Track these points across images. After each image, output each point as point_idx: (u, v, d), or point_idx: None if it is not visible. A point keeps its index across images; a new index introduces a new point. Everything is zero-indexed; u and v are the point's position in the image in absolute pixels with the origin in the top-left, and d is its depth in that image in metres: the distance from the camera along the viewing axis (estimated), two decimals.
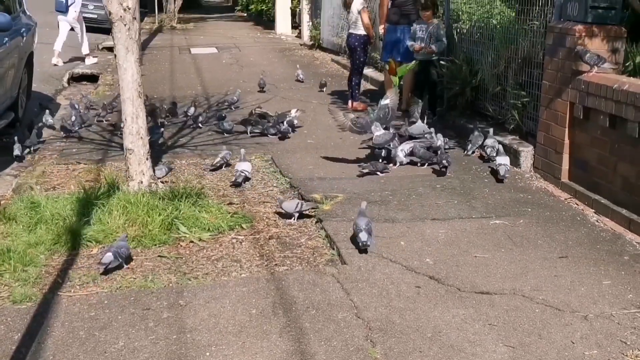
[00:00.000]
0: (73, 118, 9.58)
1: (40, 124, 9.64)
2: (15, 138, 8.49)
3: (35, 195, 6.43)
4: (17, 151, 8.30)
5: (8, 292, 4.85)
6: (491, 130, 8.32)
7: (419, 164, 7.80)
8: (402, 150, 7.86)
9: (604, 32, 6.79)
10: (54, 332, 4.33)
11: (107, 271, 5.16)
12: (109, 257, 5.14)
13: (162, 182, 6.87)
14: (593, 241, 5.79)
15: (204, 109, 10.73)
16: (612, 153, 6.40)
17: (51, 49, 15.59)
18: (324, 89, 12.82)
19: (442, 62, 10.04)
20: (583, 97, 6.67)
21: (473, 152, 8.31)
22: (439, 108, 10.36)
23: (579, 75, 6.75)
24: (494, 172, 7.51)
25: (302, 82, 13.83)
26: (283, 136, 9.15)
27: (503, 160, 7.44)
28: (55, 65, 15.54)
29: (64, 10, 15.87)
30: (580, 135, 6.89)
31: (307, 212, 6.27)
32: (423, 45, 10.09)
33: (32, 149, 8.59)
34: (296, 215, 6.22)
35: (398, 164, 7.78)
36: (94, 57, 16.58)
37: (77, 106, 10.29)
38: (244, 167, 7.26)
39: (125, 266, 5.25)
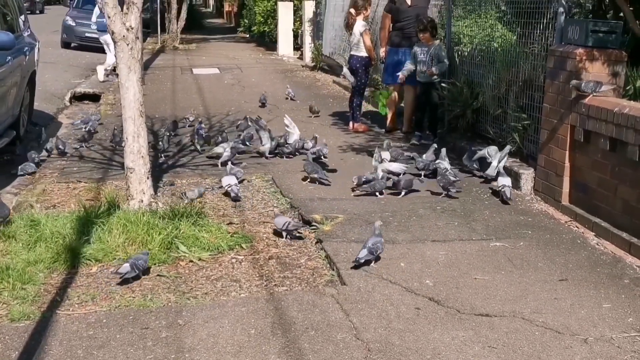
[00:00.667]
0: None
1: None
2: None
3: (35, 213, 6.43)
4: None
5: (6, 310, 4.83)
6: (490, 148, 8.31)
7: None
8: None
9: (605, 55, 6.82)
10: (52, 351, 4.32)
11: (124, 281, 5.28)
12: (126, 267, 5.27)
13: (193, 202, 6.88)
14: (593, 264, 5.78)
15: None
16: (612, 176, 6.40)
17: (53, 68, 15.65)
18: (316, 114, 12.66)
19: (443, 84, 10.07)
20: (584, 120, 6.69)
21: (497, 172, 7.97)
22: (439, 130, 10.38)
23: (580, 99, 6.77)
24: (496, 193, 7.51)
25: (294, 100, 13.93)
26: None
27: (506, 182, 7.46)
28: (103, 81, 16.25)
29: (105, 29, 16.10)
30: (581, 158, 6.90)
31: (294, 232, 6.30)
32: (411, 67, 10.25)
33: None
34: (284, 233, 6.27)
35: (403, 193, 7.67)
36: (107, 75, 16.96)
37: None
38: (229, 181, 7.35)
39: (142, 276, 5.39)
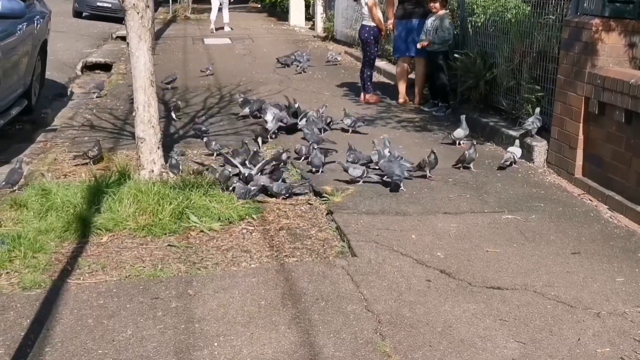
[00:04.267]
0: None
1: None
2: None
3: (46, 182, 6.42)
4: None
5: (18, 278, 4.84)
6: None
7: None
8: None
9: (622, 26, 6.71)
10: (63, 320, 4.33)
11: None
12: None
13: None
14: (606, 238, 5.73)
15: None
16: (627, 149, 6.33)
17: (64, 37, 15.63)
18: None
19: (455, 55, 9.98)
20: (599, 92, 6.61)
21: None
22: (452, 101, 10.30)
23: (595, 70, 6.68)
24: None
25: (305, 72, 13.99)
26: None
27: (515, 150, 7.62)
28: (212, 32, 20.71)
29: None
30: (595, 131, 6.83)
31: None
32: (424, 38, 10.39)
33: None
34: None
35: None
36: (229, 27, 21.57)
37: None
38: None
39: None
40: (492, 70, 9.24)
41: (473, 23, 9.99)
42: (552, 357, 3.99)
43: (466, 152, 7.47)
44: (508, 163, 7.47)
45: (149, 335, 4.15)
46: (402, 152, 7.92)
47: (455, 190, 6.79)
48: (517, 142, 7.76)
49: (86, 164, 7.34)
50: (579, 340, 4.17)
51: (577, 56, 7.00)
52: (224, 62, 15.12)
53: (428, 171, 7.06)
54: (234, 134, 8.85)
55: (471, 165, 7.47)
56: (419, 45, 10.45)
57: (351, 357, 3.95)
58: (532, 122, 7.85)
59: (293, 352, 4.01)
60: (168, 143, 7.80)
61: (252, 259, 5.27)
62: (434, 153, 7.07)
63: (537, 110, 7.95)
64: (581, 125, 6.96)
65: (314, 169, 7.24)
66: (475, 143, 7.68)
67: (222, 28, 21.69)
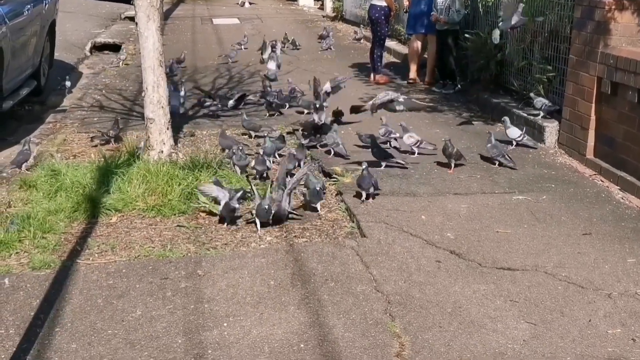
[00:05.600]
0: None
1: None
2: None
3: (55, 163, 6.42)
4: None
5: (27, 258, 4.85)
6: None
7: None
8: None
9: (635, 5, 6.63)
10: (72, 300, 4.33)
11: None
12: None
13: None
14: (618, 218, 5.69)
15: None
16: (639, 129, 6.27)
17: (73, 18, 15.58)
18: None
19: (466, 35, 9.91)
20: (611, 72, 6.54)
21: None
22: (462, 82, 10.24)
23: (608, 50, 6.61)
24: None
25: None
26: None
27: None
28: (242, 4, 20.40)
29: None
30: (607, 111, 6.77)
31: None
32: (435, 14, 10.28)
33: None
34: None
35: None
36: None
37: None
38: None
39: None
40: (503, 50, 9.17)
41: (484, 2, 9.91)
42: (562, 338, 3.97)
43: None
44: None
45: (158, 316, 4.15)
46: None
47: (466, 171, 6.75)
48: (506, 118, 7.68)
49: (104, 143, 7.33)
50: (590, 321, 4.15)
51: (589, 36, 6.93)
52: (233, 42, 15.04)
53: (452, 164, 6.73)
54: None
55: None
56: (432, 18, 10.33)
57: (361, 338, 3.94)
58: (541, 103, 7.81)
59: (302, 332, 4.00)
60: (177, 124, 7.78)
61: (261, 240, 5.25)
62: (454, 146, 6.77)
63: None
64: (593, 105, 6.90)
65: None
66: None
67: (243, 4, 22.86)
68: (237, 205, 5.45)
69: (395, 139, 7.40)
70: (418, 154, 7.17)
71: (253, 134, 7.76)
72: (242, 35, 14.75)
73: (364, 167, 5.93)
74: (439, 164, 6.86)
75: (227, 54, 12.97)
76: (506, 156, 6.88)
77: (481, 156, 7.16)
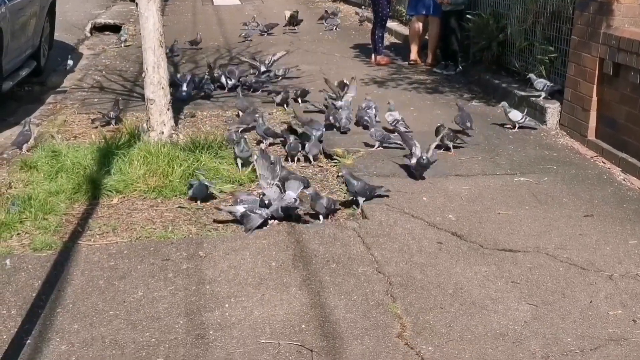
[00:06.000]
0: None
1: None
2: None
3: (56, 144, 6.41)
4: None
5: (29, 239, 4.86)
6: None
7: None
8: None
9: None
10: (74, 281, 4.34)
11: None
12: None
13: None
14: (620, 200, 5.69)
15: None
16: None
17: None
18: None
19: (468, 15, 9.86)
20: (613, 53, 6.51)
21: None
22: (464, 63, 10.21)
23: (610, 30, 6.58)
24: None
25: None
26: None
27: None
28: None
29: None
30: (609, 92, 6.74)
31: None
32: None
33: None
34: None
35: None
36: None
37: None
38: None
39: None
40: (505, 31, 9.13)
41: None
42: (563, 319, 3.97)
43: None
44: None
45: (160, 297, 4.16)
46: (414, 115, 7.91)
47: (467, 153, 6.74)
48: (505, 103, 7.63)
49: (104, 125, 7.32)
50: (591, 302, 4.15)
51: (591, 16, 6.89)
52: (233, 23, 14.97)
53: (450, 145, 6.73)
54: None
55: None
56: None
57: (362, 319, 3.95)
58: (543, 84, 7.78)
59: (304, 313, 4.01)
60: (178, 105, 7.77)
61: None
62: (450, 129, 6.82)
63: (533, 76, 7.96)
64: (595, 86, 6.87)
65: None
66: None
67: None
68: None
69: (376, 114, 7.54)
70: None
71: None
72: (249, 16, 14.68)
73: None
74: (438, 147, 6.83)
75: (245, 34, 13.07)
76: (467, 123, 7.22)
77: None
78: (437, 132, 6.71)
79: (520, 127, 7.41)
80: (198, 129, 7.29)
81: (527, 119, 7.43)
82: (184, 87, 8.50)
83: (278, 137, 6.83)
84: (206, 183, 5.52)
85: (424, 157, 5.93)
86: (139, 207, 5.47)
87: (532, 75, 8.01)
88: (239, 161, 6.08)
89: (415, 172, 6.01)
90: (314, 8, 17.48)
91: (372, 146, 6.79)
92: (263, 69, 9.55)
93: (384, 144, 6.81)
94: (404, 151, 6.64)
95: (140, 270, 4.47)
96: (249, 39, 12.79)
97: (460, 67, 10.17)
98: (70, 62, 10.16)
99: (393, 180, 5.98)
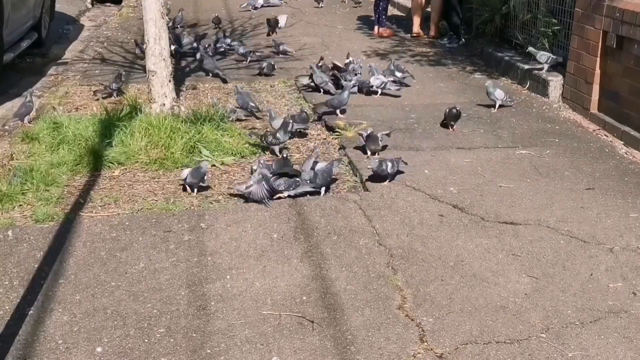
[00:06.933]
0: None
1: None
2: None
3: (57, 115, 6.40)
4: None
5: (31, 211, 4.86)
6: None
7: None
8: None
9: None
10: (76, 252, 4.35)
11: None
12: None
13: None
14: (621, 173, 5.68)
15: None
16: None
17: None
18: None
19: None
20: (617, 26, 6.47)
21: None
22: (467, 35, 10.15)
23: (614, 3, 6.53)
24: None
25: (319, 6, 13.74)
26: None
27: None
28: None
29: None
30: (612, 65, 6.71)
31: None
32: None
33: None
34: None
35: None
36: None
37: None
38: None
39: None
40: (508, 3, 9.06)
41: None
42: (564, 292, 3.98)
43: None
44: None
45: (161, 268, 4.17)
46: (416, 87, 7.89)
47: (469, 125, 6.72)
48: (490, 83, 7.45)
49: (105, 97, 7.30)
50: (591, 275, 4.16)
51: None
52: None
53: (452, 125, 6.62)
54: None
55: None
56: None
57: (363, 291, 3.96)
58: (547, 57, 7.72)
59: (305, 285, 4.02)
60: (179, 77, 7.74)
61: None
62: (455, 109, 6.61)
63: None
64: (598, 59, 6.84)
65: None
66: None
67: None
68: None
69: (360, 73, 7.86)
70: (382, 94, 7.47)
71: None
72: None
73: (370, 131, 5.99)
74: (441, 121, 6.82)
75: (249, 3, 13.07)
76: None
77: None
78: (449, 115, 6.59)
79: (500, 107, 7.23)
80: (200, 101, 7.27)
81: (508, 99, 7.30)
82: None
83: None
84: (202, 167, 5.20)
85: (382, 168, 5.34)
86: (141, 179, 5.47)
87: (531, 49, 7.93)
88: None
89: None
90: None
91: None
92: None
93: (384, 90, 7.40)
94: (406, 125, 6.64)
95: (141, 242, 4.48)
96: (252, 9, 12.74)
97: (463, 40, 10.12)
98: (69, 27, 10.06)
99: (395, 153, 5.95)
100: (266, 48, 9.80)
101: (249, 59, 9.00)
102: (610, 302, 3.90)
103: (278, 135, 5.83)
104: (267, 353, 3.44)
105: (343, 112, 6.91)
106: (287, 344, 3.51)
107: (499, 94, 7.22)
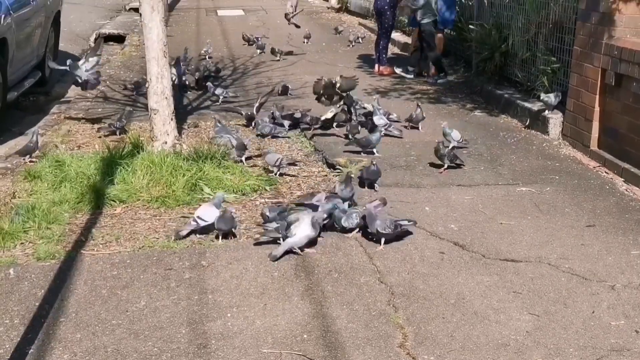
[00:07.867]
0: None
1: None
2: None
3: (60, 153, 6.43)
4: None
5: (32, 249, 4.86)
6: None
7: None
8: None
9: None
10: (77, 290, 4.34)
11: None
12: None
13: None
14: (622, 210, 5.69)
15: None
16: None
17: (77, 9, 15.61)
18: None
19: (470, 26, 9.91)
20: (615, 64, 6.53)
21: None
22: (466, 73, 10.24)
23: (612, 41, 6.60)
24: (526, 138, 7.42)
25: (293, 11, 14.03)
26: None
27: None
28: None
29: None
30: (611, 103, 6.76)
31: (286, 170, 6.34)
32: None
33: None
34: (275, 169, 6.28)
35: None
36: None
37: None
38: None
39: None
40: (507, 41, 9.16)
41: None
42: (566, 330, 3.97)
43: (413, 113, 7.88)
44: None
45: (162, 306, 4.17)
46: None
47: (469, 163, 6.75)
48: (445, 124, 7.26)
49: (108, 135, 7.34)
50: (593, 312, 4.15)
51: (594, 27, 6.92)
52: (238, 33, 15.02)
53: (446, 164, 6.55)
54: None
55: (419, 125, 7.87)
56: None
57: (364, 329, 3.95)
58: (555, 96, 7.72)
59: (306, 323, 4.01)
60: (181, 115, 7.79)
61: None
62: (419, 107, 7.62)
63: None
64: (597, 97, 6.89)
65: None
66: (419, 105, 8.10)
67: None
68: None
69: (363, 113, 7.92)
70: (384, 134, 7.33)
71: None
72: (252, 27, 14.71)
73: (373, 162, 6.10)
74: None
75: (256, 43, 13.19)
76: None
77: None
78: (436, 151, 6.57)
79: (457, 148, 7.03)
80: (201, 139, 7.31)
81: (463, 140, 7.20)
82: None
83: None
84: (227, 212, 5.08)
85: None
86: (142, 217, 5.48)
87: (543, 96, 7.84)
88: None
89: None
90: (318, 19, 17.55)
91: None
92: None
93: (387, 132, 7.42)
94: (406, 162, 6.67)
95: (142, 280, 4.48)
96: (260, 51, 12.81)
97: (447, 75, 10.27)
98: (69, 62, 10.08)
99: (396, 190, 6.00)
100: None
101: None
102: (613, 340, 3.88)
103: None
104: None
105: (369, 152, 6.93)
106: None
107: (455, 135, 7.13)
